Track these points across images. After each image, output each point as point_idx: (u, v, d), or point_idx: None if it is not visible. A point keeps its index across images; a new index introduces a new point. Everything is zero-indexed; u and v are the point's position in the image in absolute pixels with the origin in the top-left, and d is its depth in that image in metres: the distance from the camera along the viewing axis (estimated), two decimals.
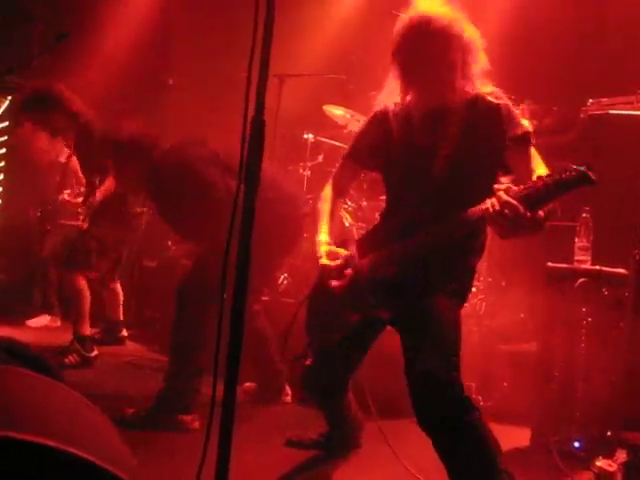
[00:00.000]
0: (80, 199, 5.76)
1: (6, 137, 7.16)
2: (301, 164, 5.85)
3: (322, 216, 2.85)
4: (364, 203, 5.37)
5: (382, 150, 2.74)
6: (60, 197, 5.83)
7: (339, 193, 2.94)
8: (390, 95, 2.69)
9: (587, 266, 3.49)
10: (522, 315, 4.94)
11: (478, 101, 2.51)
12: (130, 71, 6.79)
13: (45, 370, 1.41)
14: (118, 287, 5.42)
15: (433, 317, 2.41)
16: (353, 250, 2.69)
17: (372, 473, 3.09)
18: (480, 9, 5.65)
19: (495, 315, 4.93)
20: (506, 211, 2.08)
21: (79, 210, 5.39)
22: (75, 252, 4.86)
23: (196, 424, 3.48)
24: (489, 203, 2.14)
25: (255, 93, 1.73)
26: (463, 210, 2.29)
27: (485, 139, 2.47)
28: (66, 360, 4.61)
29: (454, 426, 2.27)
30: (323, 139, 5.84)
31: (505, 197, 2.09)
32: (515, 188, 2.11)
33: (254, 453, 3.07)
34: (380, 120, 2.76)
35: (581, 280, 3.40)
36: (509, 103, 2.54)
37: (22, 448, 0.98)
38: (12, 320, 5.92)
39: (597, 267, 3.43)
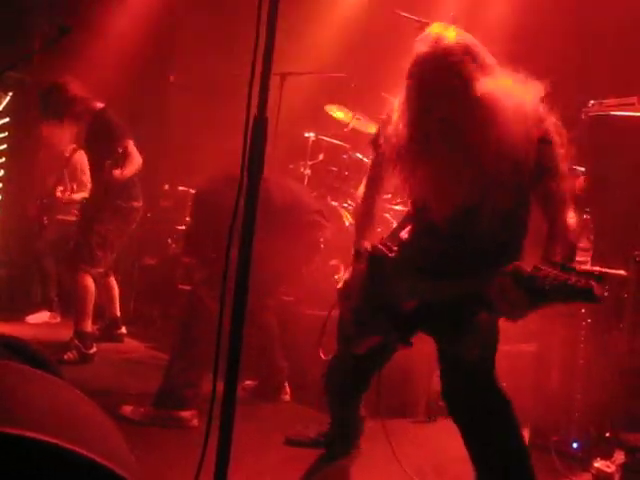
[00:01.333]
0: (74, 195, 5.78)
1: (6, 133, 7.17)
2: (302, 163, 5.85)
3: (359, 217, 2.77)
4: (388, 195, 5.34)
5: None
6: (55, 193, 5.86)
7: (377, 188, 2.79)
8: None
9: (587, 267, 3.48)
10: None
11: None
12: (131, 67, 6.79)
13: (44, 366, 1.41)
14: (113, 281, 5.41)
15: (470, 319, 2.41)
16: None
17: (371, 472, 3.09)
18: (482, 10, 5.67)
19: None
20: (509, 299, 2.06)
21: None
22: (79, 248, 4.87)
23: (195, 421, 3.48)
24: (496, 286, 2.09)
25: (258, 91, 1.73)
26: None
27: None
28: (65, 356, 4.61)
29: (484, 418, 2.30)
30: (324, 138, 5.84)
31: (510, 289, 2.04)
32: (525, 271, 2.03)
33: (253, 451, 3.07)
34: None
35: None
36: None
37: (19, 444, 0.98)
38: (12, 316, 5.92)
39: (597, 268, 3.43)
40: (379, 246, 2.61)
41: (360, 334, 2.64)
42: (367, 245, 2.62)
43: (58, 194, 6.07)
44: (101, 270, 4.95)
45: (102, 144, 4.79)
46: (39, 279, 6.53)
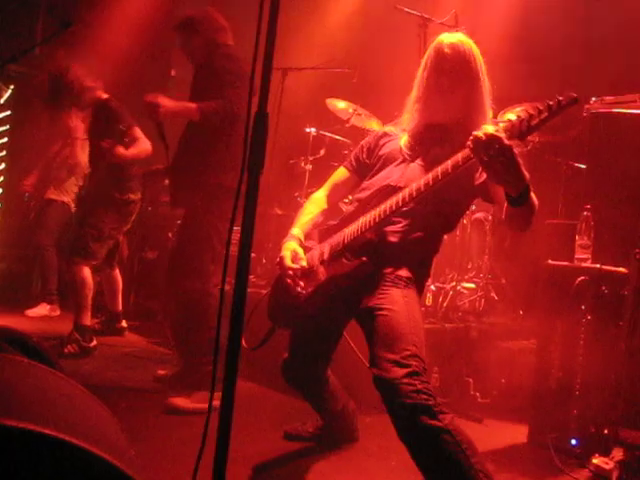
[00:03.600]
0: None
1: (8, 126, 7.16)
2: (303, 158, 5.85)
3: (304, 215, 2.92)
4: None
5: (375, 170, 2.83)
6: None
7: (327, 201, 2.99)
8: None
9: (587, 264, 3.49)
10: (521, 312, 4.95)
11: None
12: (133, 61, 6.78)
13: (42, 359, 1.41)
14: (117, 274, 5.41)
15: (391, 310, 2.46)
16: (315, 255, 2.78)
17: (367, 466, 3.09)
18: (486, 7, 5.66)
19: (494, 312, 4.94)
20: (489, 142, 2.05)
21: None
22: (74, 242, 4.87)
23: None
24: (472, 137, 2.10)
25: (259, 86, 1.73)
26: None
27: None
28: (65, 350, 4.62)
29: (414, 425, 2.23)
30: (325, 133, 5.84)
31: (488, 130, 2.07)
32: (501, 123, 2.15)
33: (252, 446, 3.08)
34: (380, 140, 2.91)
35: (581, 278, 3.40)
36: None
37: (18, 436, 0.98)
38: (12, 309, 5.93)
39: (597, 265, 3.43)
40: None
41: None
42: (297, 232, 2.81)
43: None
44: (95, 263, 4.93)
45: (107, 133, 4.80)
46: (39, 271, 6.54)
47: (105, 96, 4.96)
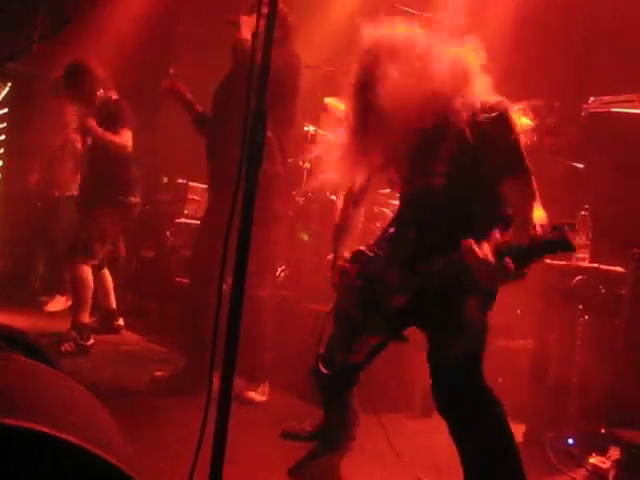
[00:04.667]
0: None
1: (5, 124, 7.16)
2: (301, 156, 5.84)
3: (340, 230, 2.89)
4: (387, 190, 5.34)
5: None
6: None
7: (358, 203, 2.96)
8: None
9: (585, 264, 3.49)
10: (518, 311, 4.95)
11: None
12: (131, 59, 6.77)
13: (41, 357, 1.41)
14: (106, 274, 5.41)
15: (457, 313, 2.43)
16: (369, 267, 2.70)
17: (367, 466, 3.09)
18: (483, 5, 5.66)
19: (492, 311, 4.93)
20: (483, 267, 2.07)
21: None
22: (76, 241, 4.87)
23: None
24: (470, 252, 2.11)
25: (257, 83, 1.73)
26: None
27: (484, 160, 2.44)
28: (62, 348, 4.62)
29: (471, 416, 2.28)
30: (323, 132, 5.83)
31: (481, 255, 2.07)
32: (498, 240, 2.09)
33: (249, 445, 3.07)
34: None
35: (578, 277, 3.41)
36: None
37: (16, 435, 0.98)
38: (8, 306, 5.93)
39: (595, 265, 3.44)
40: (360, 249, 2.72)
41: (355, 340, 2.68)
42: (345, 254, 2.76)
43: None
44: (95, 262, 4.95)
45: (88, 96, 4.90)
46: (47, 262, 6.56)
47: (115, 96, 4.99)
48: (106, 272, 5.41)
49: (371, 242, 2.80)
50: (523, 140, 2.46)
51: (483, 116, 2.38)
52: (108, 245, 5.06)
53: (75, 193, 6.25)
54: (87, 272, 4.82)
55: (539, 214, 2.31)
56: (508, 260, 2.02)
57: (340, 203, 3.00)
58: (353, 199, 2.95)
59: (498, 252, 2.04)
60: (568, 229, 1.97)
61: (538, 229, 2.03)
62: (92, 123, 4.80)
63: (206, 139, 4.18)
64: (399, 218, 2.78)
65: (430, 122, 2.42)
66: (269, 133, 3.72)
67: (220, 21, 4.16)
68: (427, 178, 2.49)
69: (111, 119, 4.86)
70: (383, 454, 3.11)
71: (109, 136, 4.82)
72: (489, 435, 2.30)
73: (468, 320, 2.44)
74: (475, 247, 2.07)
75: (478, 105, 2.39)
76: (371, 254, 2.70)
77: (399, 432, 3.21)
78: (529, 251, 2.02)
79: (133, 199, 5.06)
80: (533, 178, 2.39)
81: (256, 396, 3.93)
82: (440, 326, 2.42)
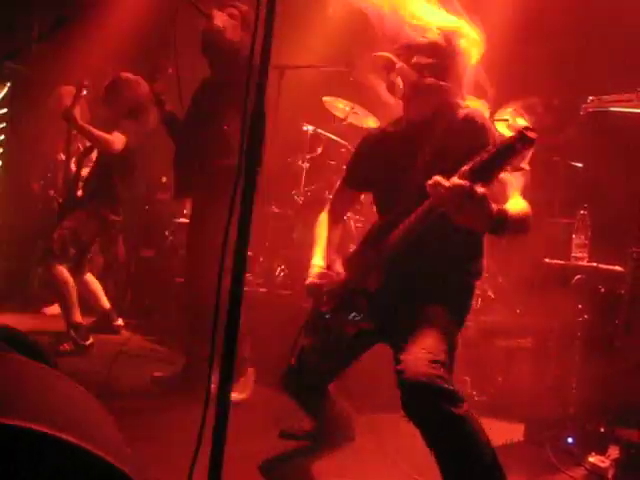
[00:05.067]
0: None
1: (5, 124, 7.14)
2: (300, 156, 5.85)
3: (318, 240, 2.95)
4: (362, 197, 5.37)
5: (374, 172, 2.83)
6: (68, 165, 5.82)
7: (336, 219, 3.04)
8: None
9: (584, 263, 3.49)
10: (518, 311, 4.95)
11: (464, 114, 2.54)
12: (129, 58, 6.76)
13: (40, 357, 1.41)
14: (89, 277, 5.39)
15: (423, 318, 2.42)
16: (339, 267, 2.77)
17: (362, 466, 3.09)
18: (482, 6, 5.65)
19: (491, 310, 4.94)
20: (452, 193, 2.03)
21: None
22: (51, 243, 4.84)
23: None
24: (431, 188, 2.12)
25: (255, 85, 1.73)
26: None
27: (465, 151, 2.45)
28: (60, 347, 4.61)
29: (438, 418, 2.23)
30: (322, 132, 5.83)
31: (446, 182, 2.05)
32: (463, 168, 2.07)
33: (248, 444, 3.07)
34: (369, 144, 2.90)
35: (578, 277, 3.41)
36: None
37: (17, 435, 0.98)
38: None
39: (594, 264, 3.44)
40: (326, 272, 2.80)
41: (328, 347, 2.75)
42: (320, 262, 2.83)
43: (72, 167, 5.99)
44: (69, 265, 4.93)
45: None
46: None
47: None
48: (88, 275, 5.37)
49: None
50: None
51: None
52: (81, 250, 5.06)
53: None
54: (64, 272, 4.80)
55: (520, 203, 2.30)
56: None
57: (322, 216, 3.04)
58: (334, 213, 3.03)
59: (463, 176, 2.01)
60: (525, 128, 1.93)
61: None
62: (76, 114, 4.82)
63: (175, 144, 4.15)
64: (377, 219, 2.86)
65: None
66: (226, 127, 3.74)
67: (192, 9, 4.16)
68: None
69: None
70: (378, 454, 3.11)
71: (92, 132, 4.85)
72: (462, 439, 2.26)
73: (439, 327, 2.42)
74: (439, 179, 2.07)
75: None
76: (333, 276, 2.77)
77: (394, 432, 3.20)
78: (491, 159, 1.98)
79: (113, 217, 5.08)
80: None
81: (234, 395, 3.63)
82: (408, 333, 2.39)
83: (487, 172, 2.00)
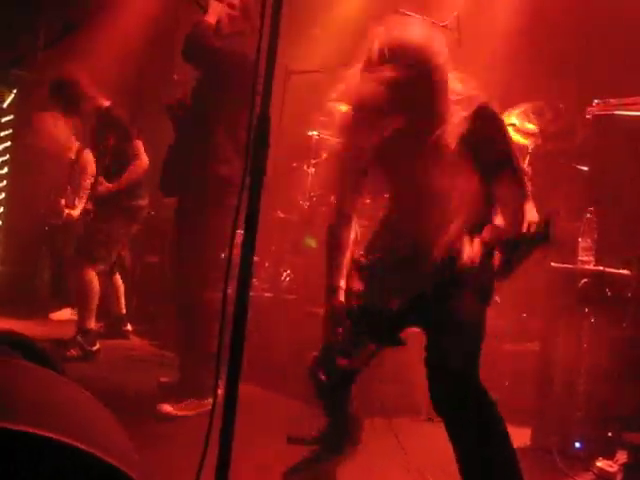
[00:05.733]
0: (75, 211, 5.73)
1: (10, 130, 7.17)
2: (305, 161, 5.85)
3: (336, 255, 2.76)
4: (367, 201, 5.37)
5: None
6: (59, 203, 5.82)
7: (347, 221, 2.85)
8: None
9: (590, 267, 3.48)
10: (524, 315, 4.94)
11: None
12: (135, 64, 6.79)
13: (46, 363, 1.41)
14: (118, 279, 5.42)
15: (454, 313, 2.42)
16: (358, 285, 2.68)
17: (374, 468, 3.09)
18: (485, 9, 5.67)
19: (497, 314, 4.92)
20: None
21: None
22: (83, 245, 4.88)
23: None
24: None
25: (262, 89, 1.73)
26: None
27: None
28: (68, 353, 4.62)
29: (466, 410, 2.26)
30: (328, 137, 5.83)
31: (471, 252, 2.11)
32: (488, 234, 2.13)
33: (254, 449, 3.07)
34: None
35: (584, 280, 3.40)
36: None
37: (19, 439, 0.98)
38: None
39: (600, 268, 3.43)
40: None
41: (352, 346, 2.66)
42: (341, 282, 2.64)
43: (62, 203, 6.00)
44: (102, 268, 4.96)
45: (110, 142, 4.83)
46: (53, 269, 6.58)
47: (107, 104, 4.97)
48: (118, 277, 5.42)
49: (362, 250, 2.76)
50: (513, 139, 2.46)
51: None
52: (115, 250, 5.06)
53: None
54: (92, 277, 4.82)
55: (532, 215, 2.31)
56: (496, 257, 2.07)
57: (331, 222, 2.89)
58: (343, 215, 2.85)
59: (487, 246, 2.07)
60: (545, 223, 2.00)
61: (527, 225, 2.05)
62: (109, 187, 4.88)
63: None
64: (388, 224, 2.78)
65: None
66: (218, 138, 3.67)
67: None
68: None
69: (112, 130, 4.89)
70: (390, 456, 3.10)
71: (129, 175, 4.89)
72: (485, 436, 2.29)
73: (465, 320, 2.43)
74: (466, 243, 2.10)
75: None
76: (365, 269, 2.68)
77: (405, 434, 3.19)
78: (517, 243, 2.03)
79: (141, 202, 5.08)
80: (525, 178, 2.40)
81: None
82: (437, 326, 2.41)
83: (510, 254, 2.09)
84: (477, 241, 2.09)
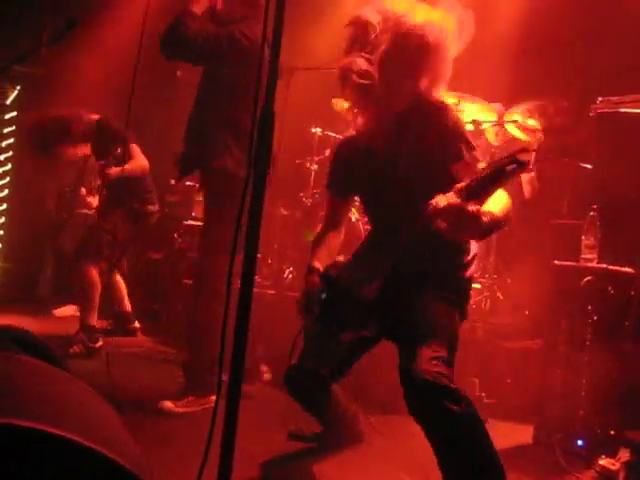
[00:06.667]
0: (94, 198, 5.77)
1: (14, 127, 7.17)
2: (308, 158, 5.85)
3: (314, 245, 2.94)
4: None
5: (355, 177, 2.85)
6: (79, 192, 5.86)
7: (332, 226, 2.99)
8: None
9: (593, 264, 3.48)
10: (527, 312, 4.94)
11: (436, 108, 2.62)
12: (138, 62, 6.78)
13: (49, 359, 1.41)
14: (119, 278, 5.44)
15: (425, 313, 2.46)
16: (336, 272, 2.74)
17: (371, 467, 3.09)
18: (489, 7, 5.65)
19: (500, 312, 4.93)
20: (447, 212, 2.13)
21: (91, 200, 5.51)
22: (87, 243, 4.91)
23: None
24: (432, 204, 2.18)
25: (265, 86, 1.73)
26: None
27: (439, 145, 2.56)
28: (70, 350, 4.63)
29: (441, 416, 2.23)
30: (331, 133, 5.83)
31: (442, 202, 2.14)
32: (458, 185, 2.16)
33: (256, 446, 3.07)
34: (345, 149, 2.92)
35: (587, 278, 3.39)
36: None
37: (24, 435, 0.98)
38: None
39: (603, 265, 3.42)
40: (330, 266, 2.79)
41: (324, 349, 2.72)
42: (317, 264, 2.79)
43: (83, 192, 6.01)
44: (104, 267, 4.98)
45: (108, 150, 4.90)
46: (55, 266, 6.60)
47: (95, 117, 5.05)
48: (118, 277, 5.44)
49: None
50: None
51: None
52: (117, 251, 5.10)
53: (89, 212, 6.28)
54: (95, 274, 4.85)
55: (502, 199, 2.33)
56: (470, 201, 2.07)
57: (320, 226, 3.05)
58: (330, 225, 2.99)
59: (458, 193, 2.10)
60: (519, 150, 1.97)
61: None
62: (113, 171, 4.87)
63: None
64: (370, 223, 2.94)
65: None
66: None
67: None
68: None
69: (109, 139, 4.92)
70: (391, 454, 3.10)
71: (130, 167, 4.90)
72: (464, 437, 2.27)
73: (441, 324, 2.45)
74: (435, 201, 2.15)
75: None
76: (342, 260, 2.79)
77: (392, 433, 3.19)
78: (484, 179, 2.04)
79: (151, 207, 5.16)
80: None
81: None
82: (411, 332, 2.42)
83: (480, 191, 2.08)
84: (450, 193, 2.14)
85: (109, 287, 5.32)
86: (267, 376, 4.25)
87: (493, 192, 2.10)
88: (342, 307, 2.62)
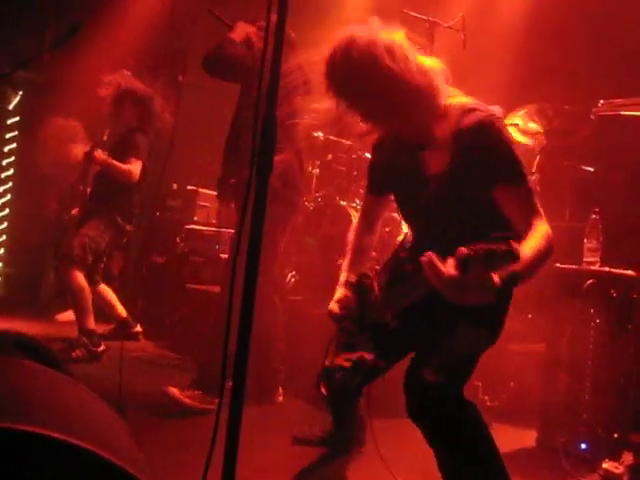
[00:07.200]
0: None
1: (16, 132, 7.19)
2: (310, 162, 5.84)
3: (348, 251, 2.80)
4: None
5: (391, 180, 2.65)
6: (81, 192, 5.86)
7: (367, 225, 2.83)
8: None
9: (596, 267, 3.47)
10: (530, 315, 4.93)
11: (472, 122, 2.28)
12: (142, 66, 6.79)
13: (52, 363, 1.41)
14: (103, 287, 5.40)
15: (448, 331, 2.34)
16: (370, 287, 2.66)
17: (376, 470, 3.08)
18: (493, 10, 5.66)
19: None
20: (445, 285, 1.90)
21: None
22: (72, 248, 4.86)
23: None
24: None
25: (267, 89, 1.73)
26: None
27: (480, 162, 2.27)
28: (73, 354, 4.63)
29: (442, 423, 2.22)
30: (333, 137, 5.82)
31: (441, 266, 1.89)
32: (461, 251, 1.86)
33: (260, 450, 3.07)
34: (380, 149, 2.68)
35: (590, 281, 3.39)
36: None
37: (29, 440, 0.98)
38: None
39: (606, 268, 3.42)
40: (364, 277, 2.68)
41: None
42: (352, 278, 2.68)
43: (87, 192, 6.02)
44: (85, 271, 4.96)
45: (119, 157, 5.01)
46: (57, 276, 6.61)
47: (135, 124, 5.22)
48: (101, 286, 5.38)
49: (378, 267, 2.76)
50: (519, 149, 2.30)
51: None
52: (98, 259, 5.11)
53: None
54: (80, 277, 4.82)
55: (542, 229, 2.21)
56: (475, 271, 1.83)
57: (355, 223, 2.89)
58: (367, 223, 2.84)
59: (464, 263, 1.84)
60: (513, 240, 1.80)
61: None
62: (101, 155, 4.92)
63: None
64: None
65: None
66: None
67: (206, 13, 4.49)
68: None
69: (123, 147, 4.96)
70: (396, 458, 3.09)
71: (118, 167, 4.94)
72: (466, 442, 2.25)
73: (458, 343, 2.34)
74: (435, 261, 1.89)
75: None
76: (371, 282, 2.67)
77: (393, 437, 3.18)
78: (475, 263, 1.82)
79: (128, 227, 5.17)
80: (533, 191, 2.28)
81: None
82: (429, 347, 2.34)
83: (481, 265, 1.84)
84: (451, 259, 1.89)
85: (97, 298, 5.25)
86: (280, 399, 4.19)
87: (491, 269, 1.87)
88: (370, 330, 2.58)
